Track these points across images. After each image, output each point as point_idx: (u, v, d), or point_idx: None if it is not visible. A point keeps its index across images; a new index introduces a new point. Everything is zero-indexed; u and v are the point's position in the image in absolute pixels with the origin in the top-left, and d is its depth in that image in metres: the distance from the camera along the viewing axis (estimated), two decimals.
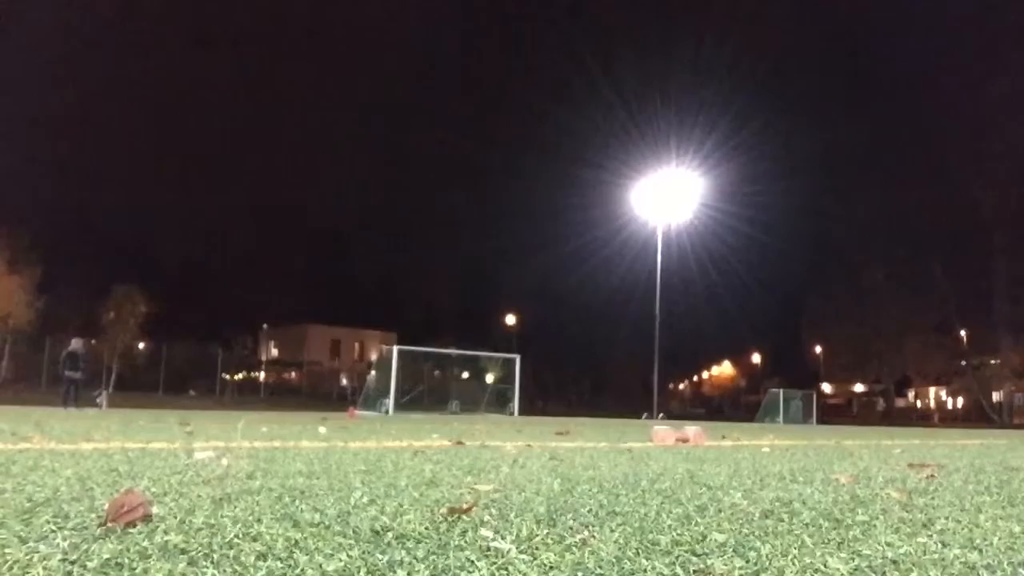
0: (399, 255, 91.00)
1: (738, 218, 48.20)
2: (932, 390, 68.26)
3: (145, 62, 79.03)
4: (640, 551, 1.51)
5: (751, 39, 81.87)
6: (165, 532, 1.54)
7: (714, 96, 63.67)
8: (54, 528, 1.57)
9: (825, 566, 1.42)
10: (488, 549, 1.47)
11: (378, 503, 2.08)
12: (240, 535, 1.54)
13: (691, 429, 7.23)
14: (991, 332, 52.27)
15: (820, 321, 59.65)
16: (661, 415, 33.39)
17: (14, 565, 1.24)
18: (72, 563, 1.26)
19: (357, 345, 69.01)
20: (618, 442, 6.59)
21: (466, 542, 1.54)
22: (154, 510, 1.75)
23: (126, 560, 1.29)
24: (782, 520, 1.96)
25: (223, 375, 48.35)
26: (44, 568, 1.23)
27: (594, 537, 1.64)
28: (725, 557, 1.47)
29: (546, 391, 55.30)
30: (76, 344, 19.43)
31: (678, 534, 1.71)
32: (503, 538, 1.58)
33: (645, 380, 40.37)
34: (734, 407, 67.24)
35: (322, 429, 7.72)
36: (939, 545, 1.66)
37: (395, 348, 29.31)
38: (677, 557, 1.46)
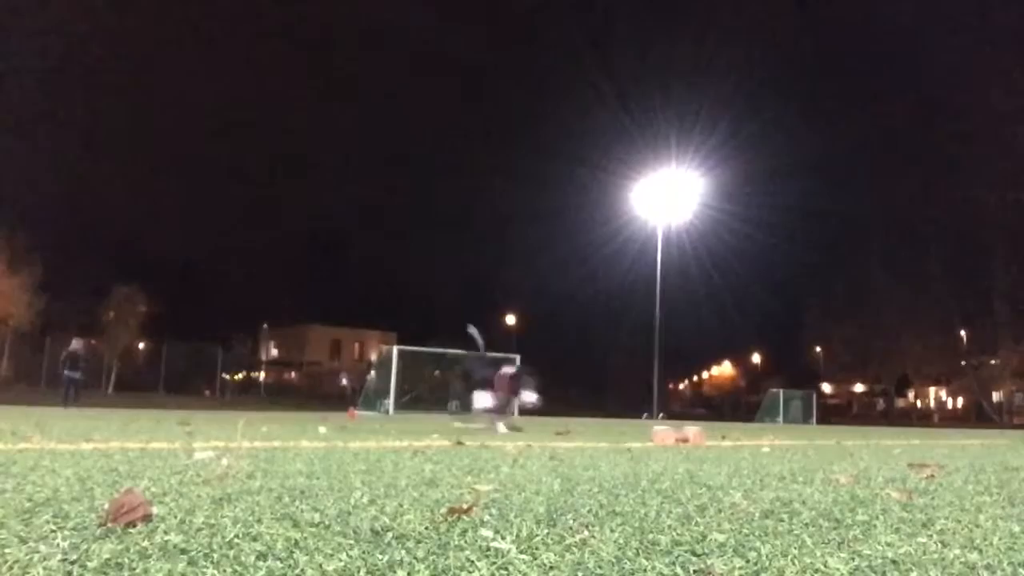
0: (399, 255, 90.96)
1: (738, 218, 48.25)
2: (932, 390, 68.24)
3: (146, 62, 79.07)
4: (640, 551, 1.51)
5: (752, 39, 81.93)
6: (165, 532, 1.54)
7: (714, 96, 63.72)
8: (54, 528, 1.56)
9: (825, 566, 1.42)
10: (488, 549, 1.47)
11: (378, 503, 2.08)
12: (240, 535, 1.54)
13: (691, 429, 7.23)
14: (991, 332, 52.25)
15: (820, 321, 59.68)
16: (661, 415, 33.38)
17: (14, 565, 1.24)
18: (72, 563, 1.26)
19: (357, 345, 69.02)
20: (618, 442, 6.59)
21: (466, 542, 1.54)
22: (154, 510, 1.75)
23: (126, 560, 1.29)
24: (782, 520, 1.96)
25: (223, 375, 48.38)
26: (44, 568, 1.23)
27: (594, 537, 1.64)
28: (725, 557, 1.47)
29: (546, 391, 55.23)
30: (76, 344, 19.46)
31: (678, 534, 1.71)
32: (503, 538, 1.58)
33: (645, 380, 40.34)
34: (734, 407, 67.18)
35: (322, 429, 7.72)
36: (939, 545, 1.66)
37: (395, 348, 29.32)
38: (677, 557, 1.46)
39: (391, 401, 26.51)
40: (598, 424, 16.04)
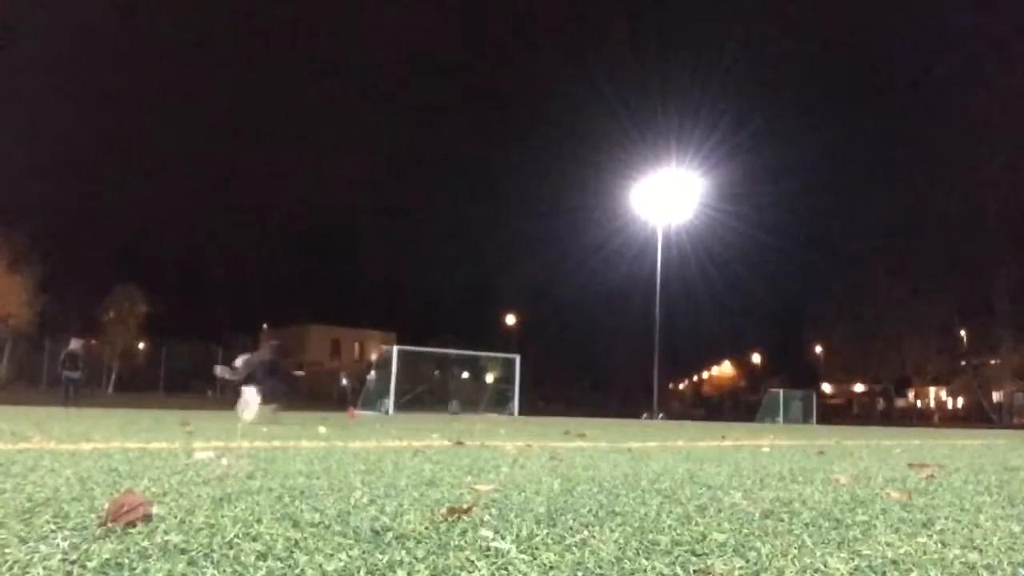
0: (399, 254, 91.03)
1: (738, 218, 48.31)
2: (932, 390, 68.22)
3: (145, 62, 79.07)
4: (640, 551, 1.51)
5: (752, 39, 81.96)
6: (165, 532, 1.54)
7: (714, 96, 63.76)
8: (54, 528, 1.57)
9: (825, 566, 1.42)
10: (488, 549, 1.47)
11: (378, 503, 2.08)
12: (240, 535, 1.54)
13: None
14: (991, 332, 52.23)
15: (820, 321, 59.69)
16: (661, 415, 33.41)
17: (14, 565, 1.24)
18: (72, 563, 1.26)
19: (357, 345, 68.97)
20: (618, 442, 6.59)
21: (466, 542, 1.54)
22: (154, 510, 1.75)
23: (126, 560, 1.29)
24: (782, 520, 1.96)
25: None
26: (44, 568, 1.23)
27: (594, 537, 1.64)
28: (725, 557, 1.47)
29: (546, 391, 55.25)
30: (75, 344, 19.43)
31: (678, 534, 1.71)
32: (503, 538, 1.58)
33: (645, 380, 40.34)
34: (734, 407, 67.16)
35: (322, 429, 7.72)
36: (939, 545, 1.66)
37: (395, 348, 29.30)
38: (677, 557, 1.46)
39: (391, 401, 26.49)
40: (598, 424, 16.03)
